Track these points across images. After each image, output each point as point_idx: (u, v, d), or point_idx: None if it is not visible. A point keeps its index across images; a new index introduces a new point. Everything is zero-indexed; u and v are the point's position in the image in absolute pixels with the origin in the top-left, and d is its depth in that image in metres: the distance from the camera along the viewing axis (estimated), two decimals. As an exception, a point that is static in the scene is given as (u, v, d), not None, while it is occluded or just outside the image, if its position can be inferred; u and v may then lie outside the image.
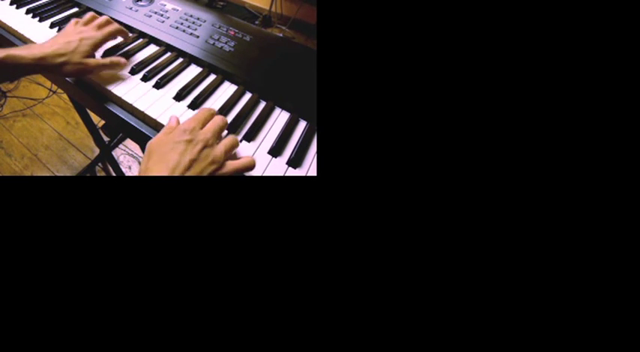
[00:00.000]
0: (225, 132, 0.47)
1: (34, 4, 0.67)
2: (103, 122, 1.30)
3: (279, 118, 0.52)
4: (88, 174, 1.35)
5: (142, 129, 0.49)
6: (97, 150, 1.41)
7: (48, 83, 1.67)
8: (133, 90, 0.51)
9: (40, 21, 0.64)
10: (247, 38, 0.60)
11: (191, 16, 0.64)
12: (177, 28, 0.62)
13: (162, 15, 0.64)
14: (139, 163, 1.40)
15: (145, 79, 0.53)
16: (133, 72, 0.54)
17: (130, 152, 1.45)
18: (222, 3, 0.77)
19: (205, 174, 0.37)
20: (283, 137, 0.48)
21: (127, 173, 1.37)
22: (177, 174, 0.35)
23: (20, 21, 0.64)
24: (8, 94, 1.65)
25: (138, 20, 0.63)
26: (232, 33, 0.61)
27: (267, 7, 0.77)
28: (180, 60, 0.58)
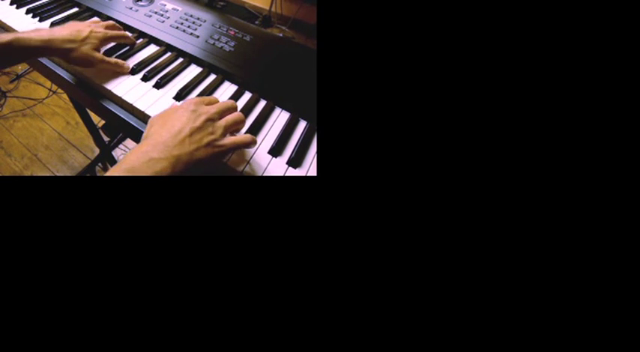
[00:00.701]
0: None
1: (34, 4, 0.67)
2: (103, 122, 1.30)
3: (279, 118, 0.52)
4: (88, 174, 1.35)
5: (142, 128, 0.49)
6: (97, 150, 1.41)
7: (48, 83, 1.67)
8: (133, 90, 0.51)
9: (40, 21, 0.64)
10: (247, 38, 0.60)
11: (191, 16, 0.64)
12: (177, 28, 0.62)
13: (162, 15, 0.64)
14: (139, 163, 1.40)
15: (145, 78, 0.53)
16: (133, 72, 0.54)
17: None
18: (222, 3, 0.77)
19: (205, 141, 0.38)
20: (283, 137, 0.48)
21: (127, 173, 1.36)
22: (179, 138, 0.37)
23: (20, 21, 0.64)
24: (8, 94, 1.65)
25: (138, 20, 0.63)
26: (232, 33, 0.61)
27: (267, 7, 0.77)
28: (180, 60, 0.58)
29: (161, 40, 0.60)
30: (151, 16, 0.64)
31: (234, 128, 0.43)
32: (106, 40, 0.53)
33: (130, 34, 0.60)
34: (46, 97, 1.65)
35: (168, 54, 0.59)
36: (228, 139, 0.40)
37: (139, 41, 0.61)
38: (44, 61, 0.57)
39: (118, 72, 0.53)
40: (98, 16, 0.67)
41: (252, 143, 0.43)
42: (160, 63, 0.56)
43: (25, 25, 0.63)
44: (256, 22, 0.76)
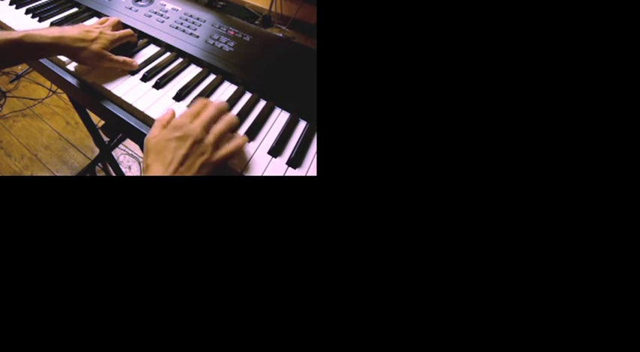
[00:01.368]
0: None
1: (33, 4, 0.67)
2: (103, 122, 1.30)
3: (279, 118, 0.52)
4: (88, 174, 1.35)
5: (141, 129, 0.49)
6: (97, 150, 1.41)
7: (48, 83, 1.67)
8: (132, 91, 0.51)
9: (39, 21, 0.64)
10: (247, 38, 0.60)
11: (191, 16, 0.64)
12: (177, 28, 0.61)
13: (162, 15, 0.64)
14: (139, 163, 1.40)
15: (144, 79, 0.53)
16: (133, 72, 0.54)
17: (130, 152, 1.45)
18: (222, 3, 0.77)
19: (197, 164, 0.39)
20: (283, 137, 0.48)
21: (127, 173, 1.37)
22: (172, 168, 0.37)
23: (20, 21, 0.64)
24: (8, 94, 1.65)
25: (138, 20, 0.63)
26: (232, 33, 0.61)
27: (267, 7, 0.77)
28: (180, 60, 0.58)
29: (161, 40, 0.60)
30: (150, 16, 0.64)
31: (225, 137, 0.43)
32: (114, 41, 0.54)
33: (134, 33, 0.60)
34: (46, 97, 1.65)
35: (168, 54, 0.59)
36: (221, 152, 0.41)
37: (139, 41, 0.61)
38: (44, 61, 0.57)
39: (121, 71, 0.54)
40: (98, 16, 0.66)
41: (245, 143, 0.44)
42: (159, 63, 0.56)
43: (24, 25, 0.63)
44: (256, 22, 0.76)
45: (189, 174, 0.38)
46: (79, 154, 1.45)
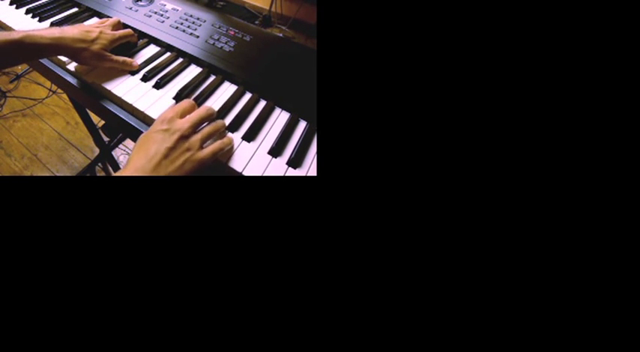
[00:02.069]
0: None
1: (33, 4, 0.67)
2: (103, 122, 1.30)
3: (279, 118, 0.52)
4: (88, 174, 1.35)
5: (141, 129, 0.49)
6: (97, 150, 1.41)
7: (48, 83, 1.67)
8: (132, 91, 0.51)
9: (39, 21, 0.64)
10: (247, 38, 0.60)
11: (191, 16, 0.64)
12: (177, 28, 0.61)
13: (162, 15, 0.64)
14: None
15: (144, 79, 0.53)
16: (133, 72, 0.54)
17: (130, 152, 1.45)
18: (222, 3, 0.77)
19: (182, 160, 0.38)
20: (283, 137, 0.48)
21: (127, 173, 1.36)
22: (155, 160, 0.37)
23: (20, 21, 0.64)
24: (8, 94, 1.65)
25: (138, 20, 0.63)
26: (232, 33, 0.61)
27: (267, 7, 0.77)
28: (180, 60, 0.58)
29: (161, 40, 0.60)
30: (150, 16, 0.64)
31: (213, 137, 0.43)
32: (114, 41, 0.54)
33: (134, 33, 0.60)
34: (46, 97, 1.65)
35: (168, 54, 0.59)
36: (207, 150, 0.41)
37: (139, 41, 0.61)
38: (44, 61, 0.57)
39: (121, 71, 0.54)
40: (98, 16, 0.66)
41: (230, 143, 0.44)
42: (159, 63, 0.56)
43: (24, 25, 0.63)
44: (256, 22, 0.76)
45: (172, 168, 0.37)
46: (79, 154, 1.45)
